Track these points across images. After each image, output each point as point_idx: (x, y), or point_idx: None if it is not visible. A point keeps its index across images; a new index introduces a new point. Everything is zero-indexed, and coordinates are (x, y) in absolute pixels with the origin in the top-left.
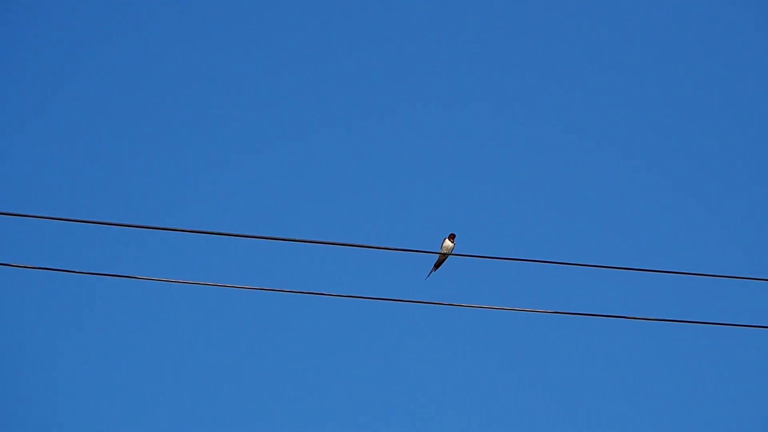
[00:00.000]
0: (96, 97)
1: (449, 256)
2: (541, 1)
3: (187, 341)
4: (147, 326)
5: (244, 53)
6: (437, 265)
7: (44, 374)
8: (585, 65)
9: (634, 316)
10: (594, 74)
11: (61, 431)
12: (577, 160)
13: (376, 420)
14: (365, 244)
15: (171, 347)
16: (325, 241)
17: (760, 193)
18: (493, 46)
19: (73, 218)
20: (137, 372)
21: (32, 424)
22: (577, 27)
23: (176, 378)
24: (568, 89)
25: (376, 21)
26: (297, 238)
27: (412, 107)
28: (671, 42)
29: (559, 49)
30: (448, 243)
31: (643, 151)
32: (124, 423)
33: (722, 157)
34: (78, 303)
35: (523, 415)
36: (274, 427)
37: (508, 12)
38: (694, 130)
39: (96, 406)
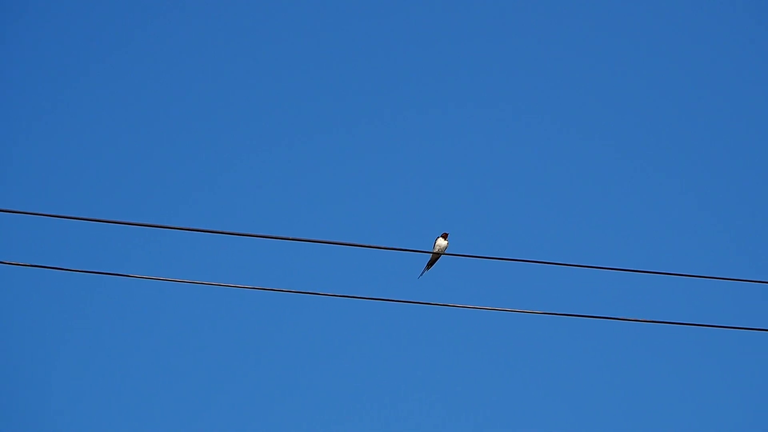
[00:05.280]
0: (99, 96)
1: (442, 255)
2: (540, 2)
3: (187, 341)
4: (147, 326)
5: (247, 54)
6: (430, 264)
7: (43, 373)
8: (582, 66)
9: (628, 318)
10: (591, 74)
11: (61, 431)
12: (571, 160)
13: (369, 419)
14: (360, 243)
15: (171, 347)
16: (322, 240)
17: (758, 194)
18: (487, 47)
19: (74, 216)
20: (137, 372)
21: (32, 424)
22: (574, 27)
23: (176, 378)
24: (564, 90)
25: (374, 22)
26: (293, 237)
27: (406, 109)
28: (669, 42)
29: (554, 50)
30: (441, 242)
31: (636, 152)
32: (124, 423)
33: (719, 158)
34: (78, 302)
35: (515, 415)
36: (272, 427)
37: (505, 13)
38: (692, 131)
39: (95, 406)
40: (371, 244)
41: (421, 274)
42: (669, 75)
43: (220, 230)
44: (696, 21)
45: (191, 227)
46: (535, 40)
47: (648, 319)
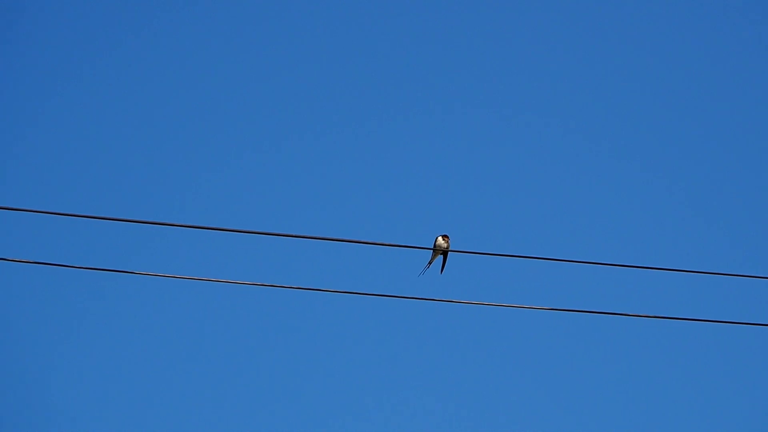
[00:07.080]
0: (103, 95)
1: (448, 253)
2: (539, 2)
3: (190, 338)
4: (150, 323)
5: (248, 53)
6: (431, 263)
7: (44, 371)
8: (581, 66)
9: (629, 313)
10: (590, 74)
11: (62, 430)
12: (575, 158)
13: (372, 416)
14: (363, 240)
15: (175, 344)
16: (326, 237)
17: (758, 191)
18: (487, 47)
19: (75, 213)
20: (137, 369)
21: (32, 424)
22: (572, 27)
23: (179, 375)
24: (563, 90)
25: (375, 22)
26: (295, 234)
27: (409, 107)
28: (668, 43)
29: (553, 50)
30: (440, 241)
31: (637, 150)
32: (127, 422)
33: (720, 156)
34: (79, 299)
35: (519, 412)
36: (273, 425)
37: (505, 13)
38: (692, 130)
39: (96, 404)
40: (371, 241)
41: (423, 272)
42: (668, 75)
43: (224, 227)
44: (687, 22)
45: (196, 225)
46: (535, 41)
47: (652, 315)
